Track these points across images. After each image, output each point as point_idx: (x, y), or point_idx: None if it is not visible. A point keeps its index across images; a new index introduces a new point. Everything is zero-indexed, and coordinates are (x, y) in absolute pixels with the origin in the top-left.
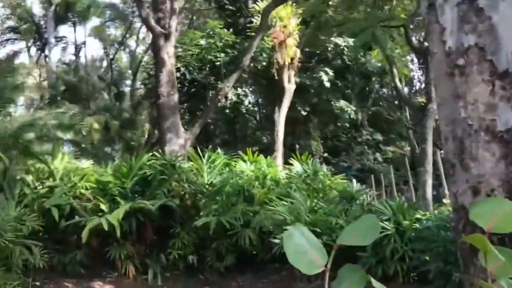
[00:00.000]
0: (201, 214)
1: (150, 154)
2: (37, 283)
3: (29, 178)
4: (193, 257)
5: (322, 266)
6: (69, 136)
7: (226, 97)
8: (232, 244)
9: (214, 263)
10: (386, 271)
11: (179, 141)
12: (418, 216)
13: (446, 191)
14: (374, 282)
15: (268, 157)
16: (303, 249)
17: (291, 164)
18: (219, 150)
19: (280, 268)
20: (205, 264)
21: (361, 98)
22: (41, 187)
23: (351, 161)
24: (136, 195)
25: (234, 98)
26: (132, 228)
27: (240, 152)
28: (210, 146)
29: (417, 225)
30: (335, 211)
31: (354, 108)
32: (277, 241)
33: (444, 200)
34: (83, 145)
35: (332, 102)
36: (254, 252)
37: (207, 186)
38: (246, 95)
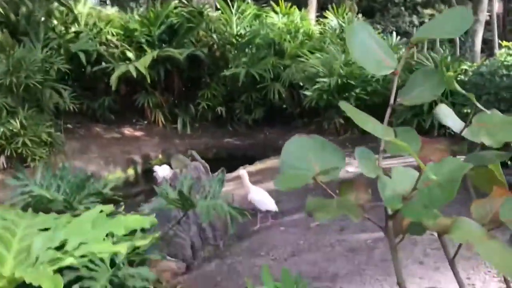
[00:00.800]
0: (230, 66)
1: (177, 1)
2: (69, 126)
3: (54, 22)
4: (222, 108)
5: (391, 67)
6: None
7: None
8: (261, 97)
9: (243, 115)
10: (421, 125)
11: None
12: (464, 67)
13: (497, 40)
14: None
15: (303, 9)
16: (370, 48)
17: (325, 17)
18: (249, 0)
19: (309, 122)
20: (233, 116)
21: None
22: (65, 32)
23: (385, 23)
24: (163, 44)
25: None
26: (160, 77)
27: (272, 2)
28: None
29: (462, 77)
30: None
31: None
32: (308, 93)
33: (495, 51)
34: None
35: None
36: (283, 106)
37: (236, 37)
38: None
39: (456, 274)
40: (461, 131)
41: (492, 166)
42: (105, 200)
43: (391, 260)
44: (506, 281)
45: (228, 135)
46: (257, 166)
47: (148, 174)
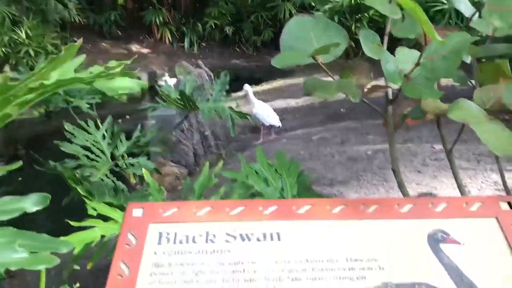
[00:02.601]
0: None
1: None
2: (76, 40)
3: None
4: (230, 28)
5: None
6: None
7: None
8: (270, 18)
9: (251, 36)
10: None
11: None
12: None
13: None
14: None
15: None
16: None
17: None
18: None
19: None
20: (241, 37)
21: None
22: None
23: None
24: None
25: None
26: None
27: None
28: None
29: None
30: None
31: None
32: (319, 13)
33: None
34: None
35: None
36: None
37: None
38: None
39: (452, 164)
40: (472, 15)
41: (500, 61)
42: None
43: (389, 168)
44: (501, 174)
45: (235, 56)
46: (263, 86)
47: (154, 91)
